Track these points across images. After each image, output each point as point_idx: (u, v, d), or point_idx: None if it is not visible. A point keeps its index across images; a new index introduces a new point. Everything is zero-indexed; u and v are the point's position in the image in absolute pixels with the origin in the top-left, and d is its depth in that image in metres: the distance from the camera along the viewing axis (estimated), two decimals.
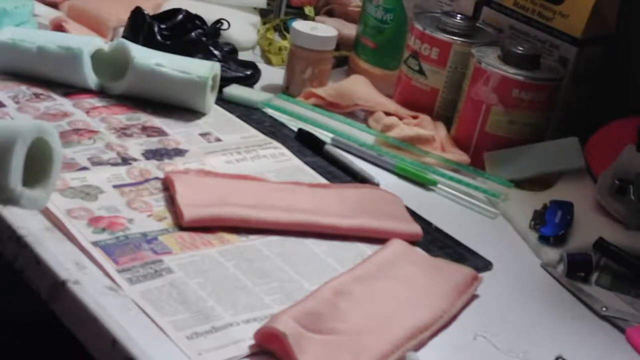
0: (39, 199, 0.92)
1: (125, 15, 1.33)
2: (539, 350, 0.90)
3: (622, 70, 1.34)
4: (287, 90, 1.36)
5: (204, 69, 1.20)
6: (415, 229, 1.04)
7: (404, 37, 1.37)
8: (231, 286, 0.88)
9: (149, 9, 1.35)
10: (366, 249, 1.00)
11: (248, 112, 1.27)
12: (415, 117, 1.30)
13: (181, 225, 0.95)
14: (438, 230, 1.07)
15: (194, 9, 1.37)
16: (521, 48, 1.23)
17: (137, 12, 1.31)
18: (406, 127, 1.26)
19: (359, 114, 1.34)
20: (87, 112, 1.15)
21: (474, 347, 0.89)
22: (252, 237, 0.97)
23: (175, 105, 1.21)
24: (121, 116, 1.16)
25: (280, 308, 0.84)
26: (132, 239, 0.92)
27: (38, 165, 0.93)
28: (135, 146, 1.10)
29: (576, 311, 0.99)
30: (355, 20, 1.50)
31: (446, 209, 1.15)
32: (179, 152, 1.11)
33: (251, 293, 0.88)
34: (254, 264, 0.92)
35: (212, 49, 1.32)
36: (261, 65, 1.39)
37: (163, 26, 1.31)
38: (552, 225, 1.10)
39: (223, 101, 1.27)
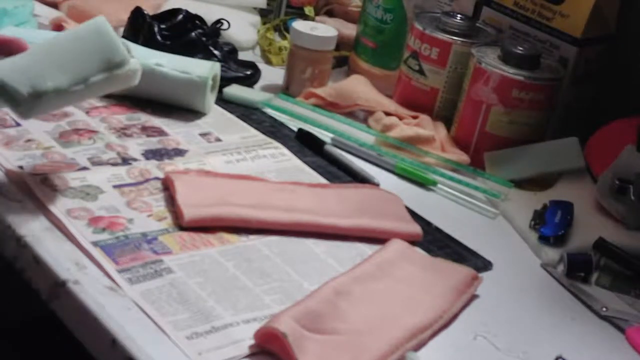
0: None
1: (125, 15, 1.33)
2: (539, 350, 0.90)
3: (622, 70, 1.34)
4: (287, 90, 1.36)
5: (204, 69, 1.20)
6: (415, 229, 1.04)
7: (404, 37, 1.37)
8: (231, 286, 0.88)
9: (149, 9, 1.35)
10: (366, 249, 1.00)
11: (248, 112, 1.27)
12: (415, 117, 1.30)
13: (181, 225, 0.95)
14: (438, 230, 1.07)
15: (194, 9, 1.37)
16: (521, 48, 1.23)
17: (137, 12, 1.31)
18: (406, 127, 1.26)
19: (359, 114, 1.34)
20: (87, 112, 1.15)
21: (474, 347, 0.89)
22: (252, 237, 0.97)
23: (175, 105, 1.21)
24: (121, 116, 1.16)
25: (280, 308, 0.84)
26: (132, 239, 0.92)
27: None
28: (135, 146, 1.10)
29: (576, 311, 0.99)
30: (355, 20, 1.50)
31: (446, 209, 1.15)
32: (179, 152, 1.11)
33: (251, 293, 0.88)
34: (254, 264, 0.92)
35: (212, 49, 1.32)
36: (261, 65, 1.39)
37: (163, 26, 1.31)
38: (552, 225, 1.10)
39: (223, 101, 1.27)
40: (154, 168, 1.06)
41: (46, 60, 0.91)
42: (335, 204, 1.04)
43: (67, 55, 0.92)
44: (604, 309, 0.99)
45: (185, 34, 1.31)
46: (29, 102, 0.90)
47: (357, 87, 1.34)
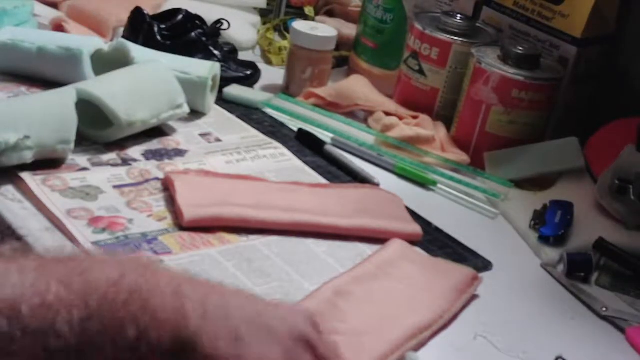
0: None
1: (125, 15, 1.33)
2: (539, 350, 0.90)
3: (622, 70, 1.34)
4: (287, 90, 1.36)
5: (203, 69, 1.20)
6: (415, 229, 1.04)
7: (404, 37, 1.37)
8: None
9: (149, 9, 1.35)
10: (366, 249, 1.00)
11: (248, 112, 1.27)
12: (415, 117, 1.30)
13: (181, 225, 0.95)
14: (438, 230, 1.07)
15: (194, 9, 1.37)
16: (521, 48, 1.23)
17: (137, 12, 1.31)
18: (406, 127, 1.26)
19: (359, 114, 1.34)
20: None
21: (474, 347, 0.89)
22: (252, 237, 0.97)
23: None
24: None
25: None
26: (132, 239, 0.92)
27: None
28: (135, 146, 1.10)
29: (576, 311, 0.99)
30: (355, 20, 1.50)
31: (446, 209, 1.15)
32: (179, 153, 1.11)
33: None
34: (254, 264, 0.92)
35: (212, 49, 1.32)
36: (261, 65, 1.39)
37: (163, 26, 1.31)
38: (552, 225, 1.10)
39: (223, 101, 1.27)
40: (153, 168, 1.06)
41: (135, 96, 1.09)
42: (335, 204, 1.04)
43: (149, 94, 1.10)
44: (604, 309, 0.99)
45: (185, 34, 1.31)
46: (122, 128, 1.06)
47: (357, 87, 1.34)
